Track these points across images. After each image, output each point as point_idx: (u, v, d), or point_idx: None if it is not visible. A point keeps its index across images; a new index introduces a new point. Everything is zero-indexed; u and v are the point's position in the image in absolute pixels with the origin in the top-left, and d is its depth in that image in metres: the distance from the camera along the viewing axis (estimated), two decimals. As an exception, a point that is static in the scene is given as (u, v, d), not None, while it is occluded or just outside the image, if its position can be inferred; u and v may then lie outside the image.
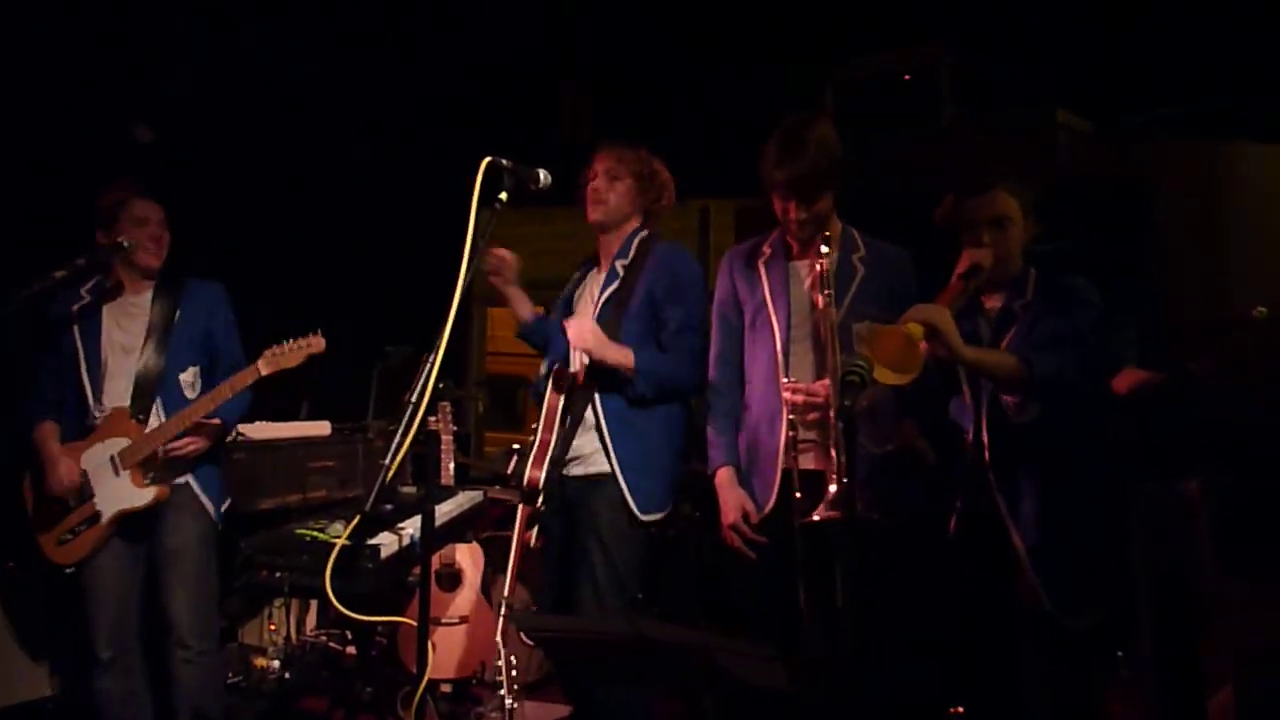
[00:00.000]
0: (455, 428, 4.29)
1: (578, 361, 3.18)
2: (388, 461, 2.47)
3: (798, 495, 2.79)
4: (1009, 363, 2.59)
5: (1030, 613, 2.62)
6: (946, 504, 2.82)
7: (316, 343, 3.26)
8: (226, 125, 5.07)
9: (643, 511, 3.12)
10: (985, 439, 2.71)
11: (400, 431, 2.47)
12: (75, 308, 3.32)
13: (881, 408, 2.82)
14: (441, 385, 2.54)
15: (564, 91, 5.96)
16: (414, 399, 2.49)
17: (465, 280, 2.60)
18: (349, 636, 4.44)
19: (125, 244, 3.25)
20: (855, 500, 2.58)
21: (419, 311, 5.50)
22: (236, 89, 5.08)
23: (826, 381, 2.81)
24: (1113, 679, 2.84)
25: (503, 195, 2.72)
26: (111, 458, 3.25)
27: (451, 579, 4.26)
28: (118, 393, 3.29)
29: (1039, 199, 2.79)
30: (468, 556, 4.36)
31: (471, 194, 2.62)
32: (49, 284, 3.20)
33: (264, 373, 3.25)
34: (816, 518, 2.64)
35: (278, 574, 2.68)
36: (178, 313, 3.37)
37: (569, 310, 3.38)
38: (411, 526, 3.00)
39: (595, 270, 3.39)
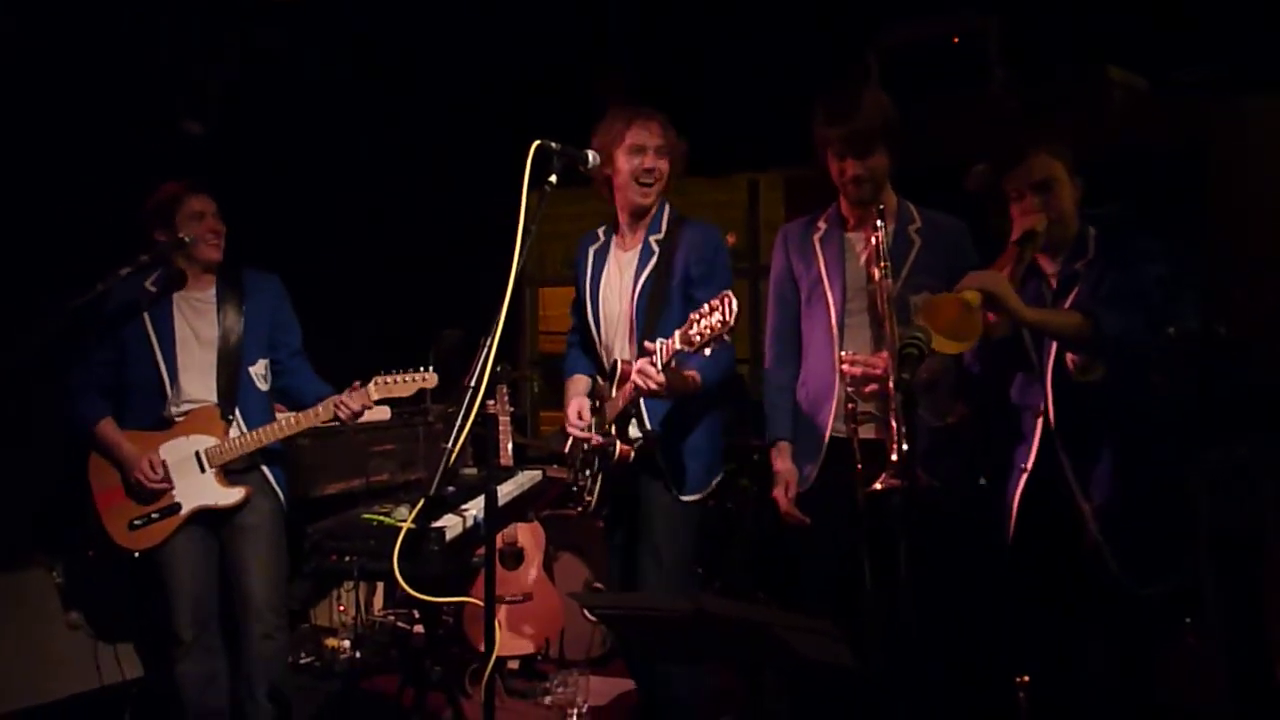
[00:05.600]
0: (512, 408, 4.35)
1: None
2: (450, 445, 2.50)
3: (859, 466, 2.81)
4: (1074, 320, 2.55)
5: (1096, 581, 2.60)
6: (1006, 473, 2.81)
7: (430, 378, 3.36)
8: (269, 115, 5.13)
9: (682, 493, 3.14)
10: (1051, 403, 2.67)
11: (460, 415, 2.52)
12: (144, 301, 3.37)
13: (941, 380, 2.81)
14: (499, 368, 2.57)
15: (602, 67, 5.95)
16: (472, 383, 2.53)
17: (518, 264, 2.62)
18: (416, 615, 4.53)
19: (187, 239, 3.32)
20: (916, 470, 2.59)
21: (470, 293, 5.58)
22: (275, 80, 5.13)
23: (885, 354, 2.80)
24: (1180, 647, 2.82)
25: (552, 178, 2.73)
26: (197, 453, 3.32)
27: (514, 557, 4.33)
28: (191, 386, 3.36)
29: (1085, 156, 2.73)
30: (529, 535, 4.43)
31: (518, 176, 2.64)
32: (115, 280, 3.27)
33: (374, 399, 3.36)
34: (879, 486, 2.66)
35: (347, 558, 2.74)
36: (244, 307, 3.44)
37: (596, 295, 3.28)
38: (474, 508, 3.05)
39: (615, 247, 3.28)
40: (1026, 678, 2.60)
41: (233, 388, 3.38)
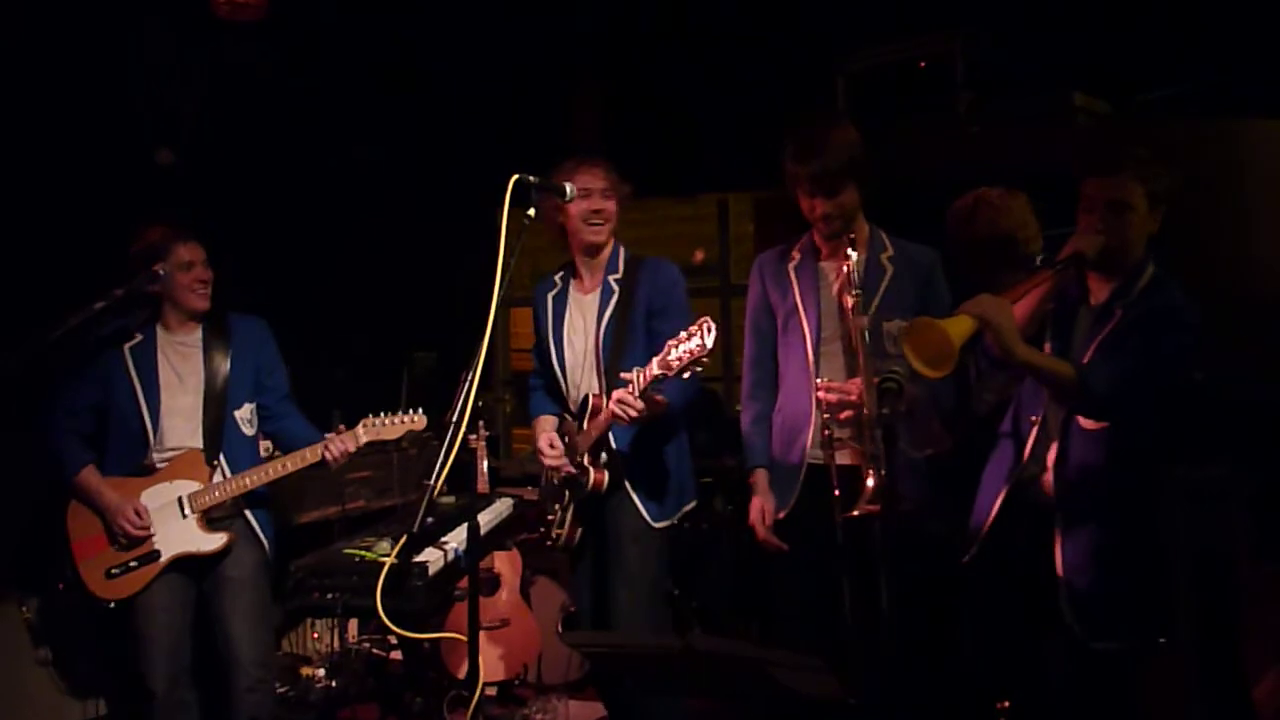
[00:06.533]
0: (487, 433, 4.34)
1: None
2: (432, 482, 2.51)
3: (836, 492, 2.84)
4: (1064, 373, 2.52)
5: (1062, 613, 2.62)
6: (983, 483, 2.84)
7: (419, 420, 3.39)
8: (237, 139, 5.11)
9: (653, 520, 3.23)
10: (1050, 426, 2.67)
11: (443, 452, 2.52)
12: (128, 345, 3.32)
13: (920, 410, 2.84)
14: (480, 404, 2.58)
15: (574, 90, 5.98)
16: (454, 419, 2.53)
17: (498, 298, 2.64)
18: (392, 643, 4.51)
19: (162, 272, 3.28)
20: (895, 498, 2.62)
21: (441, 316, 5.57)
22: (245, 102, 5.12)
23: (859, 380, 2.84)
24: (1155, 665, 2.86)
25: (530, 211, 2.74)
26: (180, 499, 3.28)
27: (490, 584, 4.33)
28: (175, 431, 3.32)
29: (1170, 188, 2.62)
30: (505, 560, 4.42)
31: (492, 198, 2.65)
32: (87, 315, 3.22)
33: (364, 441, 3.37)
34: (856, 513, 2.69)
35: (329, 595, 2.73)
36: (230, 350, 3.40)
37: (560, 338, 3.36)
38: (454, 540, 3.06)
39: (575, 290, 3.38)
40: (1007, 703, 2.63)
41: (217, 432, 3.34)
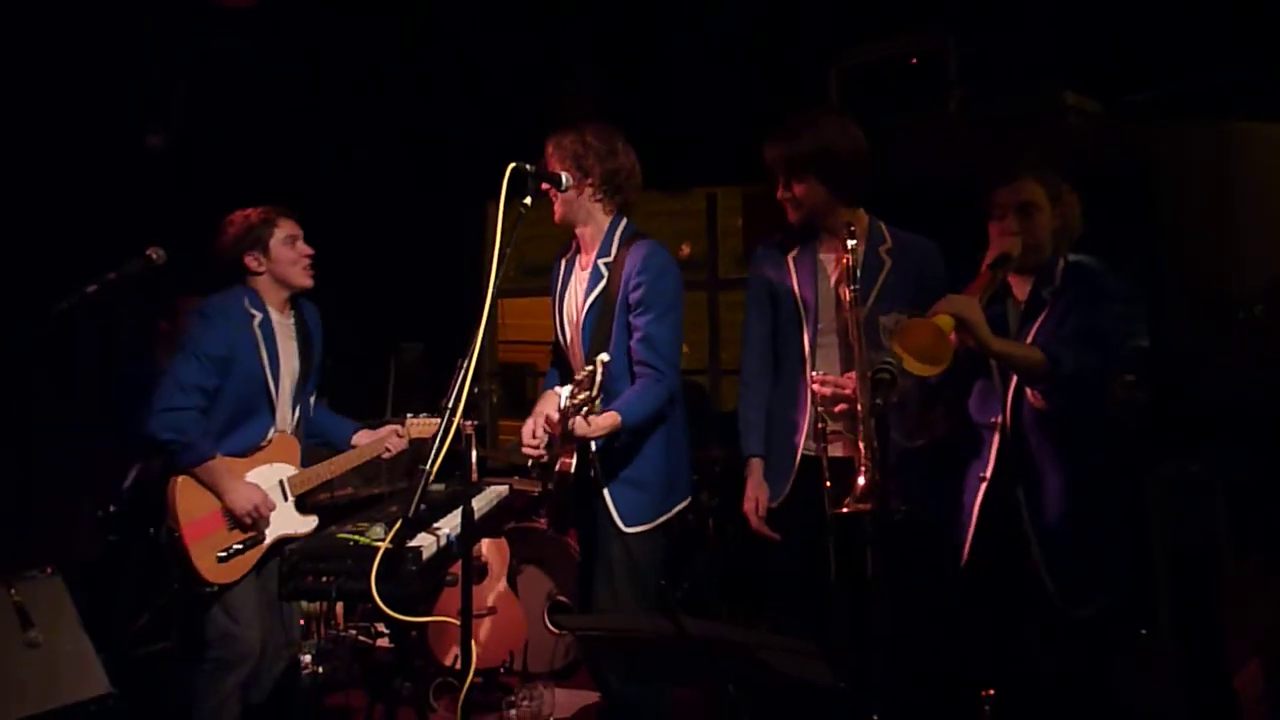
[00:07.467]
0: (475, 421, 4.36)
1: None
2: (428, 466, 2.53)
3: (828, 484, 2.87)
4: (1035, 358, 2.62)
5: (1039, 596, 2.69)
6: (964, 484, 2.88)
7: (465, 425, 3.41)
8: (225, 125, 5.09)
9: (626, 524, 3.11)
10: (1008, 424, 2.76)
11: (439, 437, 2.54)
12: (254, 325, 3.27)
13: (909, 402, 2.87)
14: (476, 390, 2.59)
15: (566, 83, 5.97)
16: (450, 405, 2.55)
17: (494, 286, 2.64)
18: (378, 629, 4.52)
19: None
20: (886, 493, 2.65)
21: (427, 307, 5.57)
22: (234, 89, 5.11)
23: (854, 374, 2.86)
24: (1138, 658, 2.91)
25: (527, 200, 2.75)
26: (280, 482, 3.29)
27: (478, 571, 4.34)
28: (282, 412, 3.35)
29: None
30: (493, 549, 4.44)
31: (479, 191, 2.66)
32: (79, 296, 3.21)
33: (410, 438, 3.53)
34: (845, 510, 2.72)
35: (324, 579, 2.72)
36: (310, 334, 3.44)
37: (561, 306, 3.31)
38: (446, 525, 3.06)
39: (578, 266, 3.30)
40: (992, 690, 2.66)
41: (303, 415, 3.41)
